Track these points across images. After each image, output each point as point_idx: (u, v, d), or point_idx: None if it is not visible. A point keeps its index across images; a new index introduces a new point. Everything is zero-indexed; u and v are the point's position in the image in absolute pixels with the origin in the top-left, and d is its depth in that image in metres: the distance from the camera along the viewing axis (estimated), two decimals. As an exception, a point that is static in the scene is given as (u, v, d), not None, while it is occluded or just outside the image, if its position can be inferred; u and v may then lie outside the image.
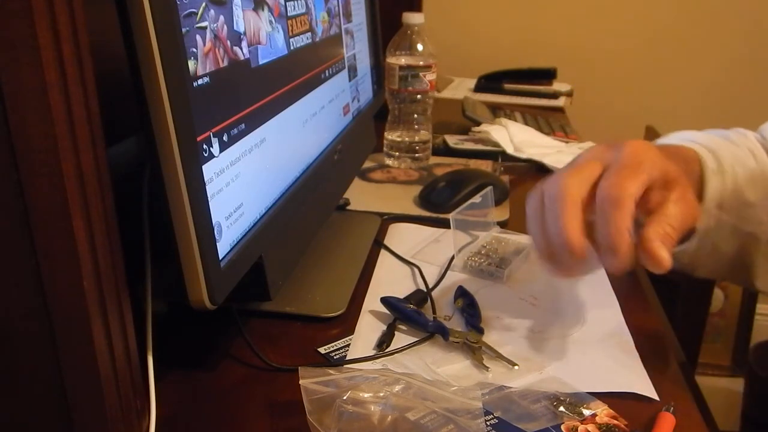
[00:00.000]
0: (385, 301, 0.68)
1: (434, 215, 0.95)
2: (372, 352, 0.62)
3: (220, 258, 0.49)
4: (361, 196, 0.99)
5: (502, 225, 0.91)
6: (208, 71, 0.48)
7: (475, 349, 0.62)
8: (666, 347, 0.66)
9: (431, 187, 0.99)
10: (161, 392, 0.53)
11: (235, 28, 0.53)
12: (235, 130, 0.53)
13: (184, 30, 0.44)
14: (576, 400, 0.55)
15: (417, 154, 1.15)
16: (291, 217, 0.64)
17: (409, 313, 0.66)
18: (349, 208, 0.95)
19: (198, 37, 0.46)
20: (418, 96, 1.12)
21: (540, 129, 1.37)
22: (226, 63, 0.51)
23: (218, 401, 0.56)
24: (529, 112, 1.55)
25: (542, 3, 2.06)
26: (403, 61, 1.09)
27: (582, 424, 0.53)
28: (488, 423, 0.53)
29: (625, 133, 1.96)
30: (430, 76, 1.10)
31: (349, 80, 0.91)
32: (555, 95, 1.74)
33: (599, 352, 0.64)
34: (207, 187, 0.47)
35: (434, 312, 0.70)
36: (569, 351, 0.64)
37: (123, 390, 0.46)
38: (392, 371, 0.57)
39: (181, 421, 0.54)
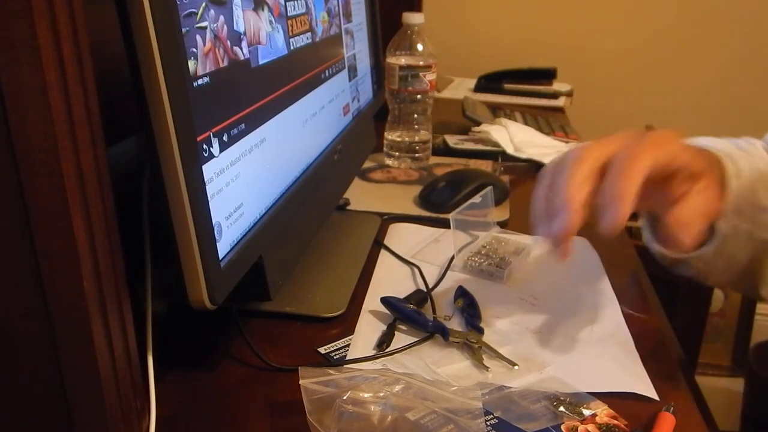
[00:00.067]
0: (385, 301, 0.68)
1: (434, 215, 0.95)
2: (372, 352, 0.62)
3: (220, 258, 0.49)
4: (361, 196, 0.99)
5: (502, 225, 0.91)
6: (208, 71, 0.48)
7: (475, 349, 0.62)
8: (666, 347, 0.66)
9: (431, 187, 0.99)
10: (161, 392, 0.53)
11: (235, 28, 0.53)
12: (235, 130, 0.53)
13: (184, 30, 0.44)
14: (576, 400, 0.55)
15: (417, 154, 1.15)
16: (291, 217, 0.64)
17: (409, 313, 0.66)
18: (349, 208, 0.95)
19: (198, 37, 0.46)
20: (418, 96, 1.12)
21: (540, 129, 1.37)
22: (226, 63, 0.51)
23: (218, 401, 0.56)
24: (529, 112, 1.55)
25: (542, 3, 2.06)
26: (403, 61, 1.09)
27: (582, 424, 0.53)
28: (488, 423, 0.53)
29: (625, 133, 1.96)
30: (430, 76, 1.10)
31: (349, 80, 0.91)
32: (555, 95, 1.74)
33: (599, 352, 0.64)
34: (207, 187, 0.47)
35: (434, 312, 0.70)
36: (569, 351, 0.64)
37: (123, 390, 0.46)
38: (392, 371, 0.57)
39: (181, 421, 0.54)
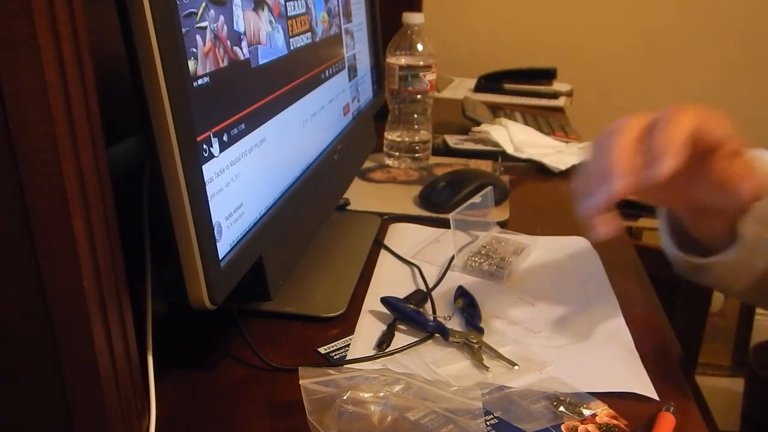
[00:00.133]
0: (385, 301, 0.68)
1: (434, 215, 0.95)
2: (372, 352, 0.62)
3: (220, 258, 0.49)
4: (361, 196, 0.99)
5: (502, 225, 0.91)
6: (208, 71, 0.48)
7: (475, 349, 0.62)
8: (666, 347, 0.66)
9: (431, 187, 0.99)
10: (161, 392, 0.53)
11: (235, 28, 0.53)
12: (235, 130, 0.53)
13: (184, 30, 0.44)
14: (576, 400, 0.55)
15: (417, 154, 1.15)
16: (291, 217, 0.64)
17: (409, 313, 0.66)
18: (349, 208, 0.95)
19: (198, 37, 0.46)
20: (418, 96, 1.12)
21: (540, 129, 1.37)
22: (226, 63, 0.51)
23: (218, 401, 0.56)
24: (529, 112, 1.55)
25: (542, 3, 2.06)
26: (403, 61, 1.09)
27: (582, 424, 0.53)
28: (488, 423, 0.53)
29: (625, 133, 1.96)
30: (430, 76, 1.10)
31: (349, 80, 0.91)
32: (555, 95, 1.74)
33: (599, 352, 0.64)
34: (207, 187, 0.47)
35: (434, 312, 0.70)
36: (569, 351, 0.64)
37: (123, 390, 0.46)
38: (392, 371, 0.57)
39: (181, 421, 0.54)
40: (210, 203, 0.48)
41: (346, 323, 0.67)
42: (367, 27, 1.01)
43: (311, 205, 0.72)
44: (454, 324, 0.67)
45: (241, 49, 0.54)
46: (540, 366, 0.61)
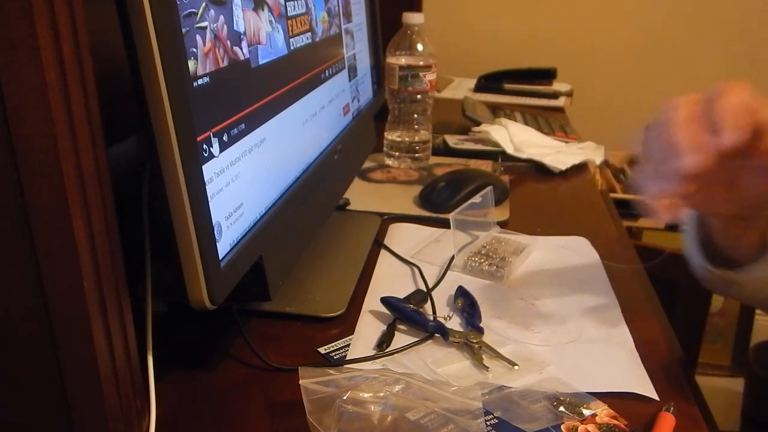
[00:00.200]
0: (385, 301, 0.68)
1: (434, 215, 0.95)
2: (372, 352, 0.62)
3: (220, 258, 0.49)
4: (361, 196, 0.99)
5: (502, 225, 0.91)
6: (208, 71, 0.48)
7: (475, 349, 0.62)
8: (666, 347, 0.66)
9: (431, 187, 0.99)
10: (161, 392, 0.53)
11: (235, 28, 0.53)
12: (235, 130, 0.53)
13: (184, 30, 0.44)
14: (576, 400, 0.55)
15: (417, 154, 1.15)
16: (291, 217, 0.64)
17: (409, 313, 0.66)
18: (349, 208, 0.95)
19: (198, 37, 0.46)
20: (418, 96, 1.12)
21: (540, 129, 1.37)
22: (226, 63, 0.51)
23: (218, 401, 0.56)
24: (529, 112, 1.55)
25: (542, 3, 2.06)
26: (403, 61, 1.09)
27: (582, 424, 0.53)
28: (488, 423, 0.53)
29: (625, 133, 1.96)
30: (430, 76, 1.10)
31: (349, 80, 0.91)
32: (555, 95, 1.74)
33: (599, 352, 0.64)
34: (207, 187, 0.47)
35: (434, 312, 0.70)
36: (569, 351, 0.64)
37: (123, 390, 0.46)
38: (392, 371, 0.57)
39: (181, 421, 0.54)
40: (210, 203, 0.48)
41: (346, 323, 0.67)
42: (367, 27, 1.01)
43: (311, 205, 0.72)
44: (454, 324, 0.67)
45: (241, 49, 0.54)
46: (540, 366, 0.61)
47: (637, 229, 1.68)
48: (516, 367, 0.60)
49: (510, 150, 1.21)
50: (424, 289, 0.73)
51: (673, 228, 1.66)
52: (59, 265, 0.39)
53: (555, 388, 0.57)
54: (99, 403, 0.43)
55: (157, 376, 0.53)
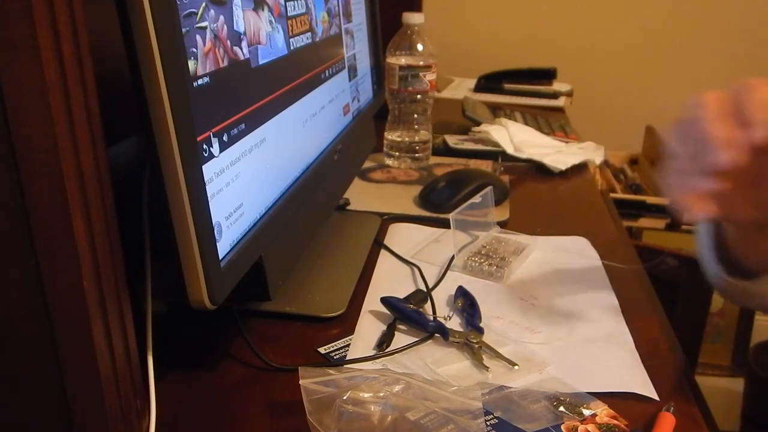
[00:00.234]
0: (385, 301, 0.68)
1: (434, 215, 0.95)
2: (372, 352, 0.62)
3: (220, 258, 0.49)
4: (361, 196, 0.99)
5: (502, 225, 0.91)
6: (208, 71, 0.48)
7: (475, 349, 0.62)
8: (666, 347, 0.66)
9: (431, 187, 0.99)
10: (161, 392, 0.53)
11: (235, 28, 0.53)
12: (235, 130, 0.53)
13: (184, 30, 0.44)
14: (576, 400, 0.55)
15: (417, 154, 1.15)
16: (291, 217, 0.64)
17: (409, 313, 0.66)
18: (349, 208, 0.95)
19: (198, 37, 0.46)
20: (418, 96, 1.12)
21: (540, 129, 1.37)
22: (226, 63, 0.51)
23: (218, 401, 0.56)
24: (529, 112, 1.55)
25: (542, 3, 2.06)
26: (403, 61, 1.09)
27: (582, 424, 0.53)
28: (488, 423, 0.53)
29: (625, 133, 1.97)
30: (430, 76, 1.10)
31: (349, 80, 0.91)
32: (555, 95, 1.74)
33: (599, 352, 0.64)
34: (207, 187, 0.47)
35: (434, 312, 0.70)
36: (569, 351, 0.64)
37: (123, 390, 0.46)
38: (392, 371, 0.57)
39: (181, 421, 0.54)
40: (210, 203, 0.48)
41: (346, 323, 0.67)
42: (367, 27, 1.01)
43: (311, 205, 0.72)
44: (454, 324, 0.67)
45: (241, 49, 0.54)
46: (540, 366, 0.61)
47: (637, 229, 1.68)
48: (516, 367, 0.60)
49: (510, 150, 1.21)
50: (424, 289, 0.73)
51: (673, 228, 1.66)
52: (59, 265, 0.39)
53: (555, 388, 0.57)
54: (99, 403, 0.43)
55: (157, 376, 0.53)
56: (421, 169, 1.14)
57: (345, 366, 0.60)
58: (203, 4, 0.47)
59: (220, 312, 0.51)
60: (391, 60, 1.10)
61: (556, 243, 0.87)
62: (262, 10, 0.58)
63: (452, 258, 0.80)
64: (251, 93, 0.56)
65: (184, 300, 0.48)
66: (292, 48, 0.66)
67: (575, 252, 0.85)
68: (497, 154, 1.21)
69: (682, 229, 1.70)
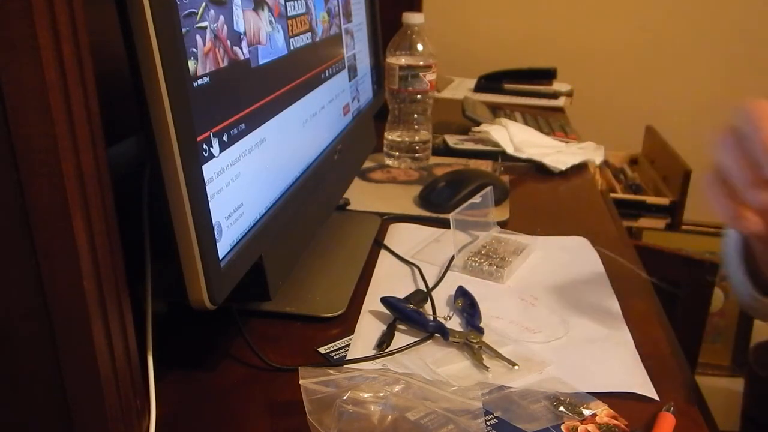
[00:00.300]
0: (385, 301, 0.68)
1: (434, 215, 0.95)
2: (372, 352, 0.62)
3: (220, 258, 0.49)
4: (361, 196, 0.99)
5: (502, 225, 0.91)
6: (208, 71, 0.48)
7: (475, 349, 0.62)
8: (666, 347, 0.66)
9: (431, 187, 0.99)
10: (161, 392, 0.53)
11: (235, 28, 0.53)
12: (235, 130, 0.53)
13: (184, 30, 0.44)
14: (576, 400, 0.55)
15: (417, 154, 1.15)
16: (291, 217, 0.64)
17: (409, 313, 0.66)
18: (349, 208, 0.95)
19: (198, 37, 0.46)
20: (418, 96, 1.12)
21: (540, 129, 1.37)
22: (226, 63, 0.51)
23: (218, 401, 0.56)
24: (529, 112, 1.55)
25: (542, 3, 2.06)
26: (403, 61, 1.09)
27: (582, 424, 0.53)
28: (488, 423, 0.53)
29: (625, 133, 1.97)
30: (430, 76, 1.10)
31: (349, 80, 0.91)
32: (555, 95, 1.74)
33: (599, 352, 0.64)
34: (207, 187, 0.47)
35: (434, 312, 0.69)
36: (569, 351, 0.64)
37: (123, 390, 0.46)
38: (392, 371, 0.57)
39: (181, 421, 0.54)
40: (210, 203, 0.48)
41: (346, 323, 0.67)
42: (367, 27, 1.01)
43: (311, 205, 0.72)
44: (454, 324, 0.67)
45: (241, 49, 0.54)
46: (540, 366, 0.61)
47: (637, 229, 1.68)
48: (516, 367, 0.60)
49: (510, 150, 1.21)
50: (424, 289, 0.73)
51: (673, 228, 1.66)
52: (59, 265, 0.39)
53: (555, 388, 0.57)
54: (99, 403, 0.43)
55: (157, 376, 0.53)
56: (421, 169, 1.14)
57: (345, 366, 0.60)
58: (203, 4, 0.47)
59: (220, 312, 0.51)
60: (391, 60, 1.10)
61: (556, 243, 0.87)
62: (262, 10, 0.58)
63: (452, 258, 0.80)
64: (251, 93, 0.56)
65: (184, 300, 0.48)
66: (292, 48, 0.66)
67: (575, 252, 0.85)
68: (497, 154, 1.21)
69: (682, 230, 1.71)
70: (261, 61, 0.58)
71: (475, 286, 0.74)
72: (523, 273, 0.79)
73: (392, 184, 1.07)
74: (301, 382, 0.51)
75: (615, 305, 0.72)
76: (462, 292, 0.71)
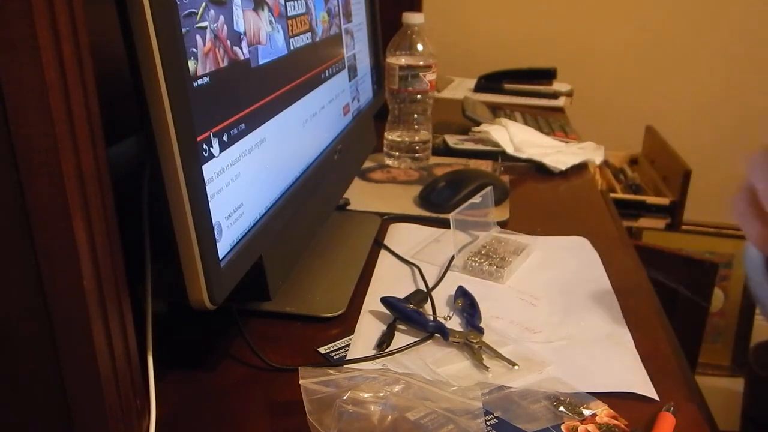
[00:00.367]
0: (385, 301, 0.68)
1: (434, 215, 0.95)
2: (372, 352, 0.62)
3: (220, 258, 0.49)
4: (361, 196, 0.99)
5: (502, 225, 0.91)
6: (208, 71, 0.48)
7: (475, 349, 0.62)
8: (666, 347, 0.66)
9: (431, 187, 0.99)
10: (161, 392, 0.53)
11: (235, 28, 0.53)
12: (235, 130, 0.53)
13: (184, 30, 0.44)
14: (576, 400, 0.55)
15: (417, 154, 1.15)
16: (291, 217, 0.64)
17: (409, 313, 0.66)
18: (349, 208, 0.95)
19: (198, 37, 0.46)
20: (418, 96, 1.12)
21: (540, 129, 1.37)
22: (226, 63, 0.51)
23: (218, 401, 0.56)
24: (529, 112, 1.55)
25: (542, 3, 2.06)
26: (403, 61, 1.09)
27: (582, 424, 0.53)
28: (488, 423, 0.53)
29: (625, 133, 1.97)
30: (430, 76, 1.10)
31: (349, 80, 0.91)
32: (555, 95, 1.74)
33: (599, 352, 0.64)
34: (207, 187, 0.47)
35: (434, 312, 0.70)
36: (569, 351, 0.64)
37: (123, 390, 0.46)
38: (392, 371, 0.57)
39: (181, 421, 0.54)
40: (210, 203, 0.48)
41: (346, 323, 0.67)
42: (367, 27, 1.01)
43: (311, 205, 0.72)
44: (454, 324, 0.67)
45: (241, 49, 0.54)
46: (540, 366, 0.61)
47: (637, 229, 1.68)
48: (516, 367, 0.60)
49: (510, 150, 1.21)
50: (424, 289, 0.73)
51: (673, 228, 1.66)
52: (59, 265, 0.39)
53: (555, 388, 0.57)
54: (99, 403, 0.43)
55: (157, 376, 0.53)
56: (421, 169, 1.14)
57: (345, 366, 0.60)
58: (203, 4, 0.47)
59: (220, 312, 0.51)
60: (391, 60, 1.10)
61: (556, 243, 0.87)
62: (262, 10, 0.59)
63: (452, 258, 0.80)
64: (251, 93, 0.56)
65: (184, 300, 0.48)
66: (292, 48, 0.66)
67: (575, 252, 0.85)
68: (497, 154, 1.21)
69: (682, 230, 1.71)
70: (261, 61, 0.58)
71: (475, 286, 0.74)
72: (523, 273, 0.79)
73: (392, 184, 1.07)
74: (301, 382, 0.51)
75: (615, 305, 0.72)
76: (462, 292, 0.71)
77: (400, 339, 0.64)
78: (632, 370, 0.61)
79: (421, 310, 0.68)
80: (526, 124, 1.39)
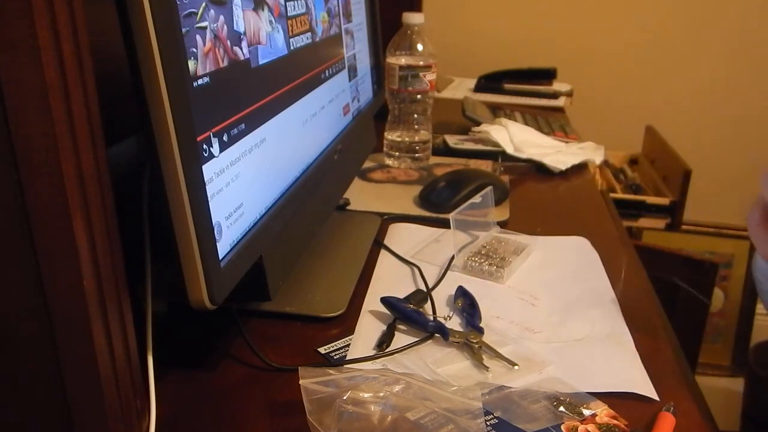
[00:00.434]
0: (385, 301, 0.68)
1: (434, 215, 0.95)
2: (372, 352, 0.62)
3: (220, 258, 0.49)
4: (361, 196, 0.99)
5: (502, 225, 0.91)
6: (208, 71, 0.48)
7: (475, 349, 0.62)
8: (666, 347, 0.66)
9: (431, 187, 0.99)
10: (161, 392, 0.53)
11: (235, 28, 0.53)
12: (235, 130, 0.53)
13: (184, 30, 0.44)
14: (576, 400, 0.55)
15: (417, 154, 1.15)
16: (291, 217, 0.64)
17: (409, 313, 0.66)
18: (349, 208, 0.95)
19: (198, 37, 0.46)
20: (418, 96, 1.12)
21: (540, 129, 1.37)
22: (226, 63, 0.51)
23: (218, 401, 0.56)
24: (529, 112, 1.55)
25: (542, 3, 2.06)
26: (403, 61, 1.09)
27: (582, 424, 0.53)
28: (488, 423, 0.53)
29: (625, 133, 1.97)
30: (430, 76, 1.10)
31: (349, 80, 0.91)
32: (555, 95, 1.74)
33: (599, 352, 0.64)
34: (207, 187, 0.47)
35: (434, 312, 0.70)
36: (569, 351, 0.64)
37: (123, 390, 0.46)
38: (392, 371, 0.57)
39: (181, 421, 0.54)
40: (210, 203, 0.48)
41: (346, 323, 0.67)
42: (367, 27, 1.01)
43: (311, 205, 0.72)
44: (454, 324, 0.67)
45: (241, 49, 0.54)
46: (540, 366, 0.61)
47: (637, 229, 1.68)
48: (516, 367, 0.60)
49: (510, 150, 1.21)
50: (424, 289, 0.73)
51: (673, 228, 1.66)
52: (59, 265, 0.39)
53: (555, 388, 0.57)
54: (99, 403, 0.43)
55: (157, 376, 0.53)
56: (421, 169, 1.14)
57: (345, 366, 0.60)
58: (203, 4, 0.47)
59: (220, 312, 0.51)
60: (391, 60, 1.10)
61: (556, 243, 0.87)
62: (262, 10, 0.59)
63: (452, 258, 0.80)
64: (251, 93, 0.56)
65: (184, 300, 0.48)
66: (292, 48, 0.66)
67: (575, 252, 0.85)
68: (497, 154, 1.21)
69: (682, 230, 1.71)
70: (261, 61, 0.58)
71: (475, 286, 0.74)
72: (523, 273, 0.79)
73: (392, 184, 1.07)
74: (301, 382, 0.51)
75: (615, 305, 0.72)
76: (462, 292, 0.71)
77: (400, 339, 0.64)
78: (632, 370, 0.61)
79: (421, 310, 0.68)
80: (526, 124, 1.39)
